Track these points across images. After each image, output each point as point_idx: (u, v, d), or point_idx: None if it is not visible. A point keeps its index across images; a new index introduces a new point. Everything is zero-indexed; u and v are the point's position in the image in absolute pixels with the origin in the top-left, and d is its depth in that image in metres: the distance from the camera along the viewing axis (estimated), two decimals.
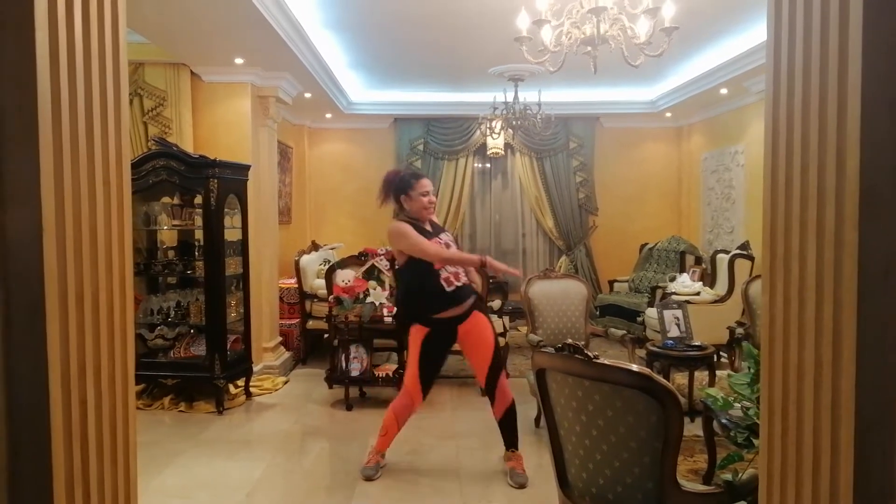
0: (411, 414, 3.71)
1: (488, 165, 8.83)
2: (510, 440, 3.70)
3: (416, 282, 3.58)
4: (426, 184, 3.65)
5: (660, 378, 1.99)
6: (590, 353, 2.05)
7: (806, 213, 1.43)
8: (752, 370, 2.16)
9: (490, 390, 3.65)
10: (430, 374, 3.66)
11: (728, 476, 1.99)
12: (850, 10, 1.27)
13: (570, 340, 2.14)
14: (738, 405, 2.25)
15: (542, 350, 2.26)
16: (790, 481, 1.52)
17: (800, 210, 1.45)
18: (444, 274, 3.54)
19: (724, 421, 2.82)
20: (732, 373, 2.81)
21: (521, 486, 3.57)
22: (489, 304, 5.43)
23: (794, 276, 1.48)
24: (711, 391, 2.50)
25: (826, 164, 1.36)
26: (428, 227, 3.66)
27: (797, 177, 1.47)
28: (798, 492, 1.48)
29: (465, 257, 3.68)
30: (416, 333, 3.61)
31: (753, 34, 5.26)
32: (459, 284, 3.59)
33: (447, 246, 3.64)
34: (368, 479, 3.64)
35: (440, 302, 3.55)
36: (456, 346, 3.75)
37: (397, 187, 3.65)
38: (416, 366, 3.60)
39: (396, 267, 3.88)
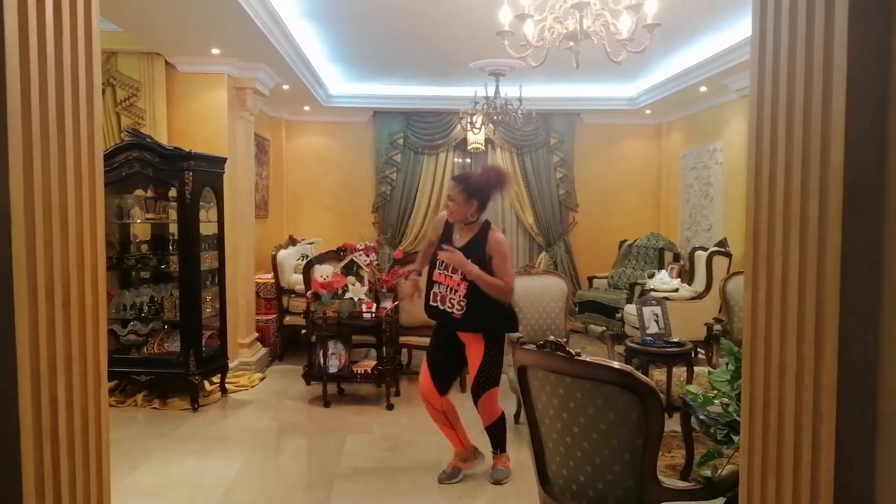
0: (439, 413, 3.63)
1: (468, 160, 8.81)
2: (494, 443, 3.69)
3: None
4: (447, 187, 3.69)
5: (641, 375, 1.99)
6: (571, 351, 2.05)
7: (789, 209, 1.43)
8: (732, 367, 2.18)
9: (475, 401, 3.61)
10: (437, 368, 3.61)
11: (708, 472, 2.00)
12: (835, 5, 1.27)
13: (551, 337, 2.13)
14: (717, 402, 2.26)
15: (524, 347, 2.24)
16: (771, 478, 1.52)
17: (783, 206, 1.45)
18: (435, 289, 3.57)
19: (702, 417, 2.84)
20: (711, 369, 2.83)
21: (497, 483, 3.58)
22: None
23: (777, 273, 1.48)
24: (691, 388, 2.51)
25: (810, 159, 1.37)
26: (459, 239, 3.52)
27: (781, 172, 1.47)
28: (778, 488, 1.49)
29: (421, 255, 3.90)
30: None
31: (733, 32, 5.31)
32: (440, 307, 3.50)
33: (454, 271, 3.48)
34: (440, 481, 3.60)
35: (429, 308, 3.58)
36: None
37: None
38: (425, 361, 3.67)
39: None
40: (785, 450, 1.47)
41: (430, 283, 3.54)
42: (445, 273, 3.46)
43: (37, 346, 1.27)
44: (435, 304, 3.51)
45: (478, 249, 3.42)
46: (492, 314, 3.44)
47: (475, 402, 3.58)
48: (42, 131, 1.30)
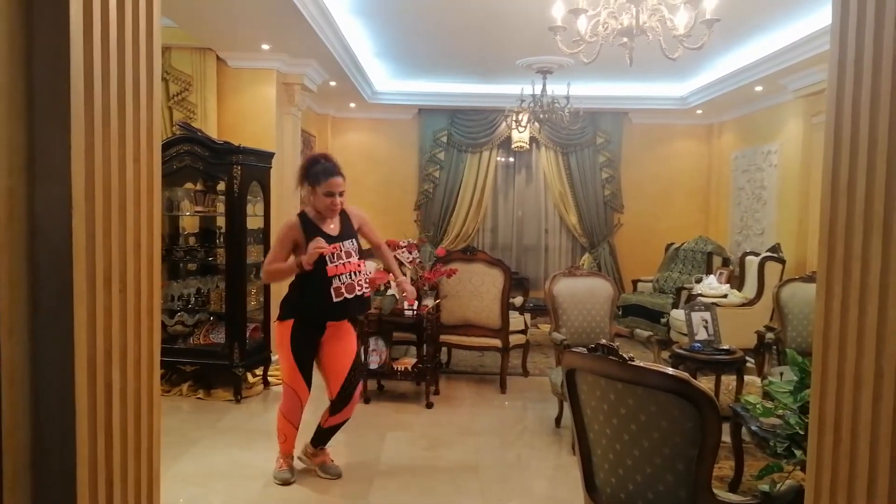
0: (301, 411, 3.54)
1: (512, 159, 8.74)
2: (325, 441, 3.62)
3: (300, 282, 3.39)
4: (334, 184, 3.33)
5: (698, 383, 1.91)
6: (624, 355, 1.98)
7: (871, 213, 1.34)
8: (796, 377, 2.07)
9: (349, 395, 3.48)
10: (309, 371, 3.49)
11: (765, 486, 1.91)
12: None
13: (603, 341, 2.06)
14: (779, 412, 2.16)
15: (574, 350, 2.18)
16: (841, 498, 1.44)
17: (864, 208, 1.37)
18: (335, 283, 3.32)
19: (754, 428, 2.73)
20: (770, 378, 2.71)
21: (339, 476, 3.57)
22: (511, 300, 5.35)
23: (855, 280, 1.39)
24: (750, 398, 2.41)
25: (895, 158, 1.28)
26: (332, 227, 3.40)
27: (862, 173, 1.38)
28: None
29: (283, 268, 3.38)
30: (283, 329, 3.43)
31: (793, 29, 5.11)
32: (350, 297, 3.35)
33: (347, 255, 3.36)
34: (285, 482, 3.48)
35: (326, 309, 3.37)
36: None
37: (308, 176, 3.40)
38: (292, 361, 3.45)
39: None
40: (858, 469, 1.38)
41: (327, 280, 3.29)
42: (341, 262, 3.33)
43: (94, 332, 1.28)
44: (342, 299, 3.32)
45: (350, 228, 3.49)
46: None
47: (349, 398, 3.47)
48: (104, 121, 1.31)
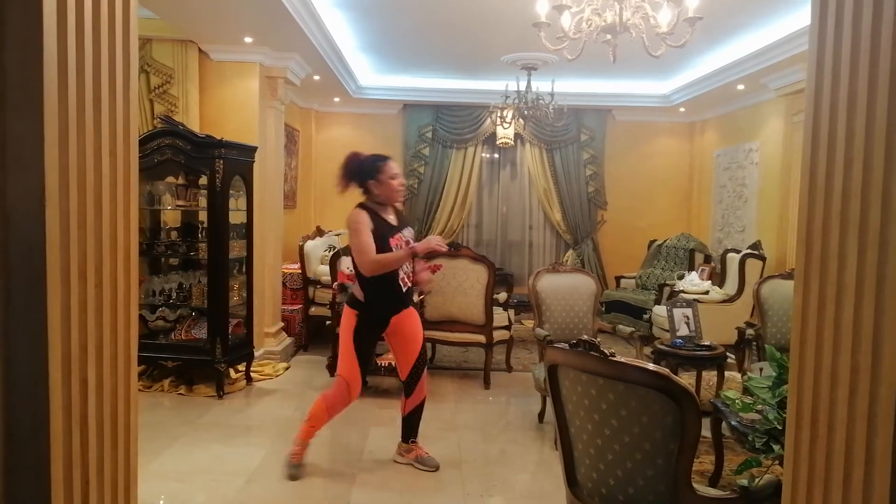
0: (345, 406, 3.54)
1: (497, 155, 8.74)
2: (414, 433, 3.66)
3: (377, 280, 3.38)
4: (394, 166, 3.43)
5: (678, 379, 1.93)
6: (606, 351, 1.99)
7: (848, 211, 1.36)
8: (774, 373, 2.10)
9: (414, 383, 3.56)
10: (368, 363, 3.54)
11: (744, 481, 1.93)
12: None
13: (585, 336, 2.07)
14: (758, 408, 2.18)
15: (556, 346, 2.19)
16: (817, 491, 1.45)
17: (841, 207, 1.38)
18: (401, 274, 3.38)
19: (734, 423, 2.76)
20: (749, 374, 2.74)
21: (437, 468, 3.58)
22: (495, 296, 5.36)
23: (832, 277, 1.41)
24: (729, 393, 2.43)
25: (873, 158, 1.29)
26: (392, 218, 3.44)
27: (839, 171, 1.39)
28: (826, 503, 1.42)
29: (400, 256, 3.36)
30: (350, 316, 3.45)
31: (775, 28, 5.16)
32: (410, 286, 3.47)
33: (407, 243, 3.39)
34: (294, 478, 3.46)
35: (394, 301, 3.44)
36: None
37: (364, 172, 3.39)
38: (353, 352, 3.45)
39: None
40: (834, 463, 1.40)
41: (395, 271, 3.35)
42: None
43: (68, 327, 1.25)
44: (407, 288, 3.43)
45: (405, 219, 3.58)
46: None
47: (414, 386, 3.55)
48: (78, 112, 1.29)
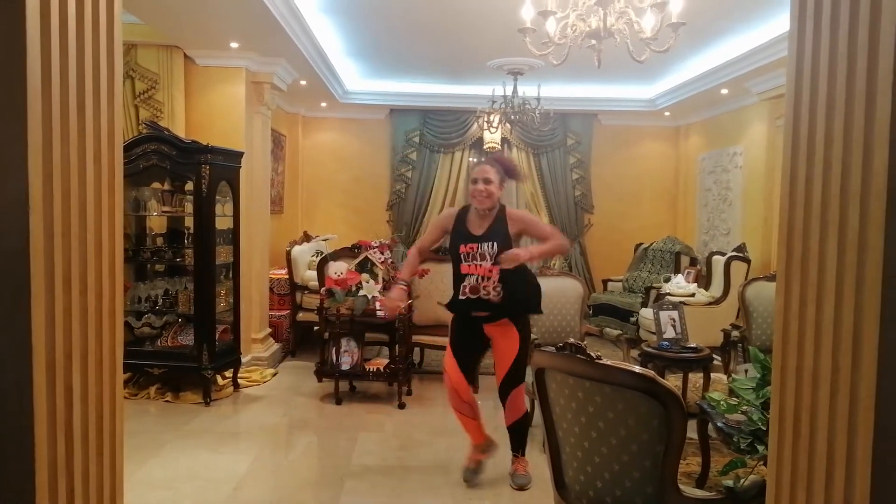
0: (466, 405, 3.55)
1: (483, 160, 8.75)
2: (514, 445, 3.64)
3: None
4: (479, 171, 3.39)
5: (664, 381, 1.94)
6: (592, 354, 2.00)
7: (827, 213, 1.38)
8: (758, 374, 2.12)
9: (502, 398, 3.56)
10: (462, 361, 3.54)
11: (730, 482, 1.95)
12: (882, 1, 1.22)
13: (571, 340, 2.08)
14: (743, 408, 2.20)
15: (543, 349, 2.20)
16: (800, 491, 1.47)
17: (821, 210, 1.40)
18: (467, 281, 3.40)
19: (720, 425, 2.78)
20: (734, 376, 2.77)
21: (521, 488, 3.52)
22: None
23: (812, 279, 1.43)
24: (714, 394, 2.46)
25: (851, 162, 1.31)
26: (477, 227, 3.41)
27: (818, 175, 1.42)
28: (809, 502, 1.43)
29: (400, 277, 3.71)
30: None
31: (758, 33, 5.22)
32: (473, 298, 3.41)
33: (481, 257, 3.35)
34: (467, 481, 3.54)
35: (459, 304, 3.50)
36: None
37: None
38: (448, 344, 3.60)
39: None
40: (816, 463, 1.41)
41: (460, 276, 3.42)
42: (474, 263, 3.39)
43: (53, 334, 1.25)
44: (465, 297, 3.41)
45: (500, 233, 3.39)
46: (528, 289, 3.49)
47: (503, 400, 3.53)
48: (62, 119, 1.28)
